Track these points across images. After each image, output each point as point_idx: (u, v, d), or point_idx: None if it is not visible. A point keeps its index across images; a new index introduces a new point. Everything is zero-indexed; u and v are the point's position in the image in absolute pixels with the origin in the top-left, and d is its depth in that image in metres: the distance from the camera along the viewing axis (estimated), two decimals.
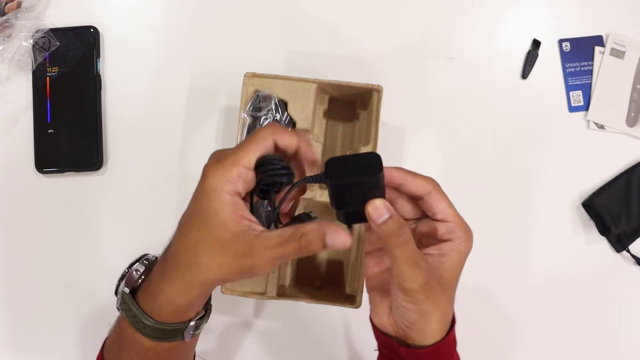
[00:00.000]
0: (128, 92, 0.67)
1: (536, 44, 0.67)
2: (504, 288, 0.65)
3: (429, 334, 0.39)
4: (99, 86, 0.66)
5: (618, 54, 0.66)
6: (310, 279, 0.63)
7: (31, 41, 0.64)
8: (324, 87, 0.59)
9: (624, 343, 0.65)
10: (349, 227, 0.38)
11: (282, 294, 0.58)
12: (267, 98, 0.57)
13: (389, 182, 0.38)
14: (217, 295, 0.57)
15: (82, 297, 0.65)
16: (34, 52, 0.65)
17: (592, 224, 0.65)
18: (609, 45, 0.67)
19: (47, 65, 0.65)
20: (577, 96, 0.66)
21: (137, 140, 0.66)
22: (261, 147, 0.37)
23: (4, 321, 0.65)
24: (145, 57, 0.67)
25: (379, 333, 0.43)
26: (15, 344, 0.65)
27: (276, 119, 0.57)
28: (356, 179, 0.36)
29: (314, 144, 0.38)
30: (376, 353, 0.46)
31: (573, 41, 0.67)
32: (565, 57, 0.67)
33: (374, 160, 0.37)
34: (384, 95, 0.58)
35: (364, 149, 0.58)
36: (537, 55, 0.67)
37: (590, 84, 0.66)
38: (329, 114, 0.63)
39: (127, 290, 0.41)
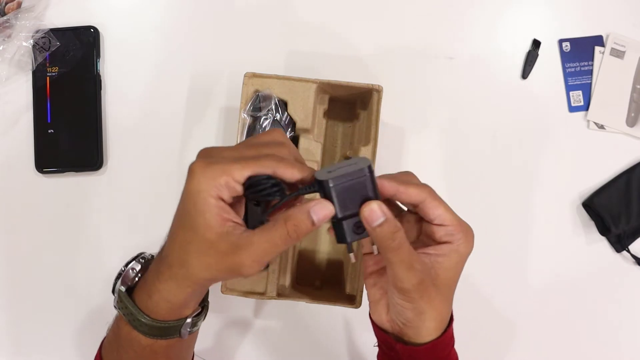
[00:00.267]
0: (128, 92, 0.67)
1: (536, 44, 0.67)
2: (504, 288, 0.65)
3: (425, 332, 0.40)
4: (99, 86, 0.66)
5: (618, 54, 0.66)
6: (310, 279, 0.63)
7: (31, 41, 0.64)
8: (324, 87, 0.59)
9: (624, 343, 0.65)
10: (350, 245, 0.38)
11: (282, 294, 0.58)
12: (267, 98, 0.57)
13: (382, 194, 0.38)
14: (217, 295, 0.57)
15: (82, 297, 0.65)
16: (34, 52, 0.65)
17: (592, 224, 0.65)
18: (609, 45, 0.67)
19: (47, 65, 0.65)
20: (577, 96, 0.66)
21: (137, 140, 0.66)
22: (257, 170, 0.36)
23: (3, 321, 0.65)
24: (145, 57, 0.67)
25: (377, 329, 0.43)
26: (15, 344, 0.65)
27: (276, 119, 0.57)
28: (348, 183, 0.36)
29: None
30: (376, 349, 0.46)
31: (573, 41, 0.67)
32: (565, 57, 0.67)
33: (362, 162, 0.37)
34: (384, 95, 0.58)
35: (364, 149, 0.58)
36: (537, 55, 0.67)
37: (590, 84, 0.66)
38: (329, 114, 0.63)
39: (123, 288, 0.41)
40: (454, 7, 0.68)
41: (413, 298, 0.38)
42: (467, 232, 0.40)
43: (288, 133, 0.58)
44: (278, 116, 0.57)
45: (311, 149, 0.58)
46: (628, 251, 0.64)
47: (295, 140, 0.59)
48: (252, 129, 0.57)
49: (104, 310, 0.64)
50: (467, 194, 0.65)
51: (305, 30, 0.67)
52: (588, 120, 0.66)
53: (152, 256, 0.43)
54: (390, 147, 0.65)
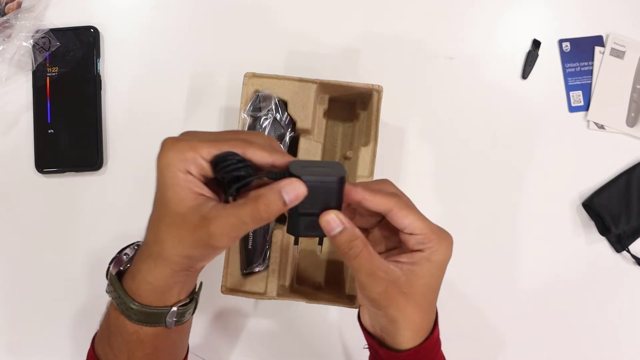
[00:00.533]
0: (128, 92, 0.67)
1: (536, 44, 0.67)
2: (504, 288, 0.65)
3: (401, 340, 0.40)
4: (99, 86, 0.66)
5: (618, 54, 0.66)
6: (310, 279, 0.63)
7: (31, 41, 0.64)
8: (324, 87, 0.59)
9: (624, 343, 0.65)
10: (297, 239, 0.39)
11: (282, 294, 0.58)
12: (267, 98, 0.57)
13: (347, 200, 0.38)
14: (217, 295, 0.57)
15: (82, 296, 0.65)
16: (34, 52, 0.65)
17: (592, 224, 0.65)
18: (609, 45, 0.67)
19: (47, 65, 0.65)
20: (577, 96, 0.66)
21: (137, 140, 0.66)
22: (225, 150, 0.37)
23: (3, 321, 0.65)
24: (145, 57, 0.67)
25: (364, 332, 0.44)
26: (15, 344, 0.65)
27: (276, 119, 0.57)
28: (317, 184, 0.36)
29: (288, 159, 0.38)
30: (366, 351, 0.46)
31: (573, 41, 0.67)
32: (565, 57, 0.67)
33: (337, 167, 0.38)
34: (384, 95, 0.58)
35: (364, 149, 0.58)
36: (537, 55, 0.67)
37: (590, 84, 0.66)
38: (329, 114, 0.63)
39: (114, 272, 0.42)
40: (454, 7, 0.68)
41: (381, 305, 0.38)
42: (441, 240, 0.39)
43: (288, 133, 0.58)
44: (278, 116, 0.57)
45: (311, 149, 0.58)
46: (628, 251, 0.64)
47: (295, 140, 0.59)
48: (252, 129, 0.57)
49: (104, 310, 0.64)
50: (467, 193, 0.65)
51: (305, 30, 0.67)
52: (588, 120, 0.66)
53: None
54: (390, 147, 0.65)
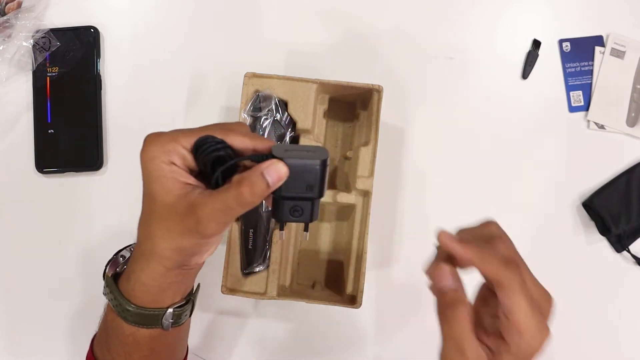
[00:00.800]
0: (128, 92, 0.67)
1: (536, 44, 0.67)
2: None
3: None
4: (99, 86, 0.66)
5: (618, 54, 0.66)
6: (310, 279, 0.63)
7: (31, 41, 0.64)
8: (324, 87, 0.59)
9: (624, 343, 0.65)
10: (282, 224, 0.40)
11: (282, 294, 0.58)
12: (267, 98, 0.57)
13: (455, 256, 0.35)
14: (217, 295, 0.57)
15: (82, 297, 0.65)
16: (34, 52, 0.65)
17: (592, 224, 0.65)
18: (609, 45, 0.67)
19: (47, 65, 0.65)
20: (577, 96, 0.66)
21: (137, 140, 0.65)
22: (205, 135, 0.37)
23: (2, 321, 0.65)
24: (145, 57, 0.67)
25: None
26: (15, 344, 0.65)
27: (276, 119, 0.57)
28: (300, 167, 0.36)
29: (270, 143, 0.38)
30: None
31: (573, 41, 0.67)
32: (565, 57, 0.67)
33: (320, 150, 0.38)
34: (384, 95, 0.58)
35: (364, 149, 0.58)
36: (537, 55, 0.67)
37: (591, 84, 0.66)
38: (329, 114, 0.63)
39: (110, 273, 0.42)
40: (454, 7, 0.68)
41: None
42: (529, 338, 0.34)
43: (288, 133, 0.58)
44: (278, 116, 0.57)
45: None
46: (628, 251, 0.64)
47: (295, 140, 0.59)
48: (253, 129, 0.57)
49: (102, 310, 0.64)
50: (466, 193, 0.65)
51: (305, 30, 0.67)
52: (588, 120, 0.66)
53: None
54: (390, 147, 0.65)
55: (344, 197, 0.59)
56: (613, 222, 0.63)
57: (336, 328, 0.65)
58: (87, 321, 0.65)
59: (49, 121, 0.65)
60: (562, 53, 0.67)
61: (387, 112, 0.60)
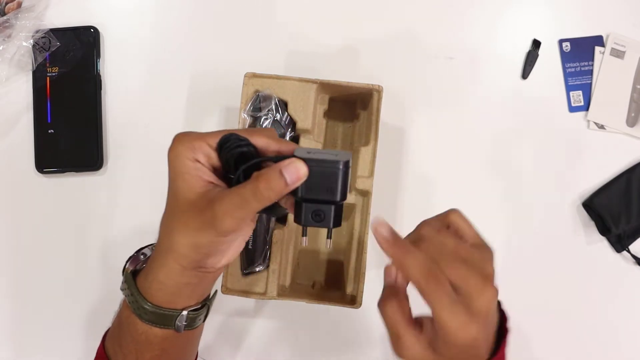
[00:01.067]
0: (128, 92, 0.67)
1: (536, 44, 0.67)
2: (503, 288, 0.65)
3: None
4: (99, 86, 0.66)
5: (618, 54, 0.66)
6: (310, 279, 0.63)
7: (31, 41, 0.64)
8: (324, 87, 0.59)
9: (624, 343, 0.65)
10: (305, 229, 0.39)
11: (282, 294, 0.58)
12: (267, 98, 0.57)
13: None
14: (218, 295, 0.57)
15: (82, 297, 0.65)
16: (34, 52, 0.65)
17: (592, 224, 0.65)
18: (609, 45, 0.67)
19: (47, 65, 0.65)
20: (577, 96, 0.66)
21: (137, 140, 0.66)
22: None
23: (5, 321, 0.65)
24: (145, 57, 0.67)
25: None
26: (16, 344, 0.65)
27: (276, 119, 0.57)
28: (321, 169, 0.36)
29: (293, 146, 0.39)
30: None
31: (573, 41, 0.67)
32: (565, 57, 0.67)
33: (343, 153, 0.37)
34: (384, 95, 0.58)
35: (364, 149, 0.58)
36: (537, 55, 0.67)
37: (591, 84, 0.66)
38: (329, 114, 0.63)
39: (130, 269, 0.42)
40: (454, 7, 0.68)
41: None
42: (455, 336, 0.35)
43: (288, 133, 0.58)
44: (278, 116, 0.57)
45: None
46: (628, 251, 0.64)
47: (295, 140, 0.59)
48: None
49: (105, 309, 0.63)
50: (466, 193, 0.65)
51: (305, 30, 0.67)
52: (588, 120, 0.66)
53: None
54: (390, 147, 0.65)
55: None
56: (613, 222, 0.63)
57: (336, 328, 0.65)
58: (88, 320, 0.65)
59: (49, 121, 0.65)
60: (562, 53, 0.67)
61: (387, 112, 0.60)
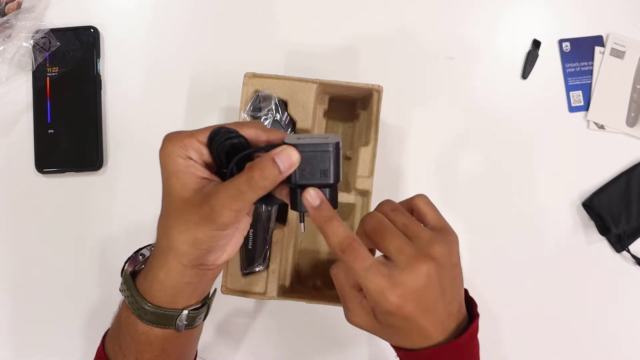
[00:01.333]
0: (128, 92, 0.67)
1: (536, 44, 0.67)
2: (503, 288, 0.65)
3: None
4: (99, 86, 0.66)
5: (618, 54, 0.66)
6: (310, 279, 0.63)
7: (31, 41, 0.64)
8: (324, 87, 0.59)
9: (624, 343, 0.65)
10: (302, 215, 0.39)
11: (282, 294, 0.58)
12: (267, 98, 0.57)
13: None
14: (217, 295, 0.57)
15: (82, 297, 0.65)
16: (34, 53, 0.65)
17: (592, 224, 0.65)
18: (609, 45, 0.67)
19: (47, 65, 0.65)
20: (577, 96, 0.66)
21: (137, 140, 0.66)
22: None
23: (5, 321, 0.65)
24: (145, 57, 0.67)
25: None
26: (17, 344, 0.65)
27: (276, 119, 0.57)
28: (312, 153, 0.36)
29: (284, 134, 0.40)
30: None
31: (573, 41, 0.67)
32: (565, 57, 0.67)
33: (333, 138, 0.37)
34: (384, 95, 0.58)
35: (364, 149, 0.58)
36: (537, 55, 0.67)
37: (590, 84, 0.66)
38: (329, 114, 0.63)
39: (129, 270, 0.43)
40: (454, 7, 0.68)
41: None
42: (379, 299, 0.38)
43: (288, 133, 0.58)
44: (278, 116, 0.57)
45: None
46: (628, 251, 0.64)
47: None
48: None
49: (105, 309, 0.64)
50: (466, 194, 0.65)
51: (305, 31, 0.67)
52: (588, 120, 0.66)
53: None
54: (390, 147, 0.65)
55: (344, 197, 0.59)
56: (613, 222, 0.63)
57: (336, 328, 0.65)
58: (88, 320, 0.65)
59: (49, 121, 0.65)
60: (562, 53, 0.67)
61: (387, 112, 0.60)
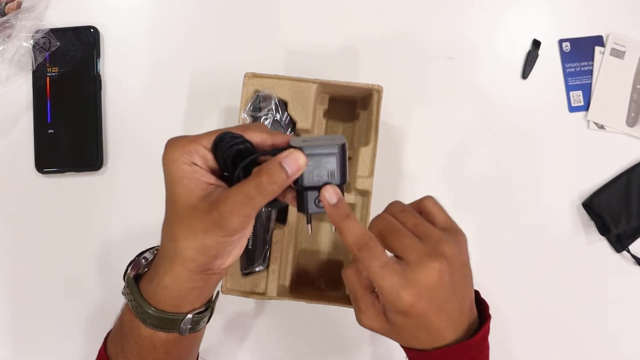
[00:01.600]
0: (128, 92, 0.67)
1: (536, 44, 0.67)
2: (503, 288, 0.65)
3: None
4: (99, 86, 0.66)
5: (618, 54, 0.66)
6: (311, 279, 0.63)
7: (31, 41, 0.64)
8: (324, 87, 0.59)
9: (624, 343, 0.65)
10: (309, 216, 0.39)
11: (282, 294, 0.58)
12: (267, 98, 0.57)
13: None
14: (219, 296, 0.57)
15: (82, 297, 0.65)
16: (34, 53, 0.65)
17: (592, 224, 0.65)
18: (609, 45, 0.67)
19: (47, 65, 0.65)
20: (577, 96, 0.66)
21: (137, 140, 0.66)
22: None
23: (5, 321, 0.65)
24: (145, 57, 0.67)
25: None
26: (17, 344, 0.65)
27: (276, 119, 0.57)
28: (318, 155, 0.36)
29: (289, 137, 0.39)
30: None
31: (573, 41, 0.67)
32: (565, 57, 0.67)
33: (338, 139, 0.37)
34: (384, 95, 0.58)
35: (364, 149, 0.58)
36: (537, 55, 0.67)
37: (590, 84, 0.66)
38: (329, 114, 0.63)
39: (132, 274, 0.42)
40: (454, 7, 0.68)
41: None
42: (391, 298, 0.38)
43: (288, 133, 0.58)
44: (278, 116, 0.57)
45: None
46: (628, 251, 0.64)
47: None
48: None
49: (105, 309, 0.64)
50: (466, 194, 0.65)
51: (305, 31, 0.67)
52: (588, 120, 0.66)
53: None
54: (390, 147, 0.65)
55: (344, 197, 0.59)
56: (613, 222, 0.63)
57: (336, 328, 0.65)
58: (89, 320, 0.65)
59: (49, 121, 0.65)
60: (562, 53, 0.67)
61: (387, 112, 0.60)
